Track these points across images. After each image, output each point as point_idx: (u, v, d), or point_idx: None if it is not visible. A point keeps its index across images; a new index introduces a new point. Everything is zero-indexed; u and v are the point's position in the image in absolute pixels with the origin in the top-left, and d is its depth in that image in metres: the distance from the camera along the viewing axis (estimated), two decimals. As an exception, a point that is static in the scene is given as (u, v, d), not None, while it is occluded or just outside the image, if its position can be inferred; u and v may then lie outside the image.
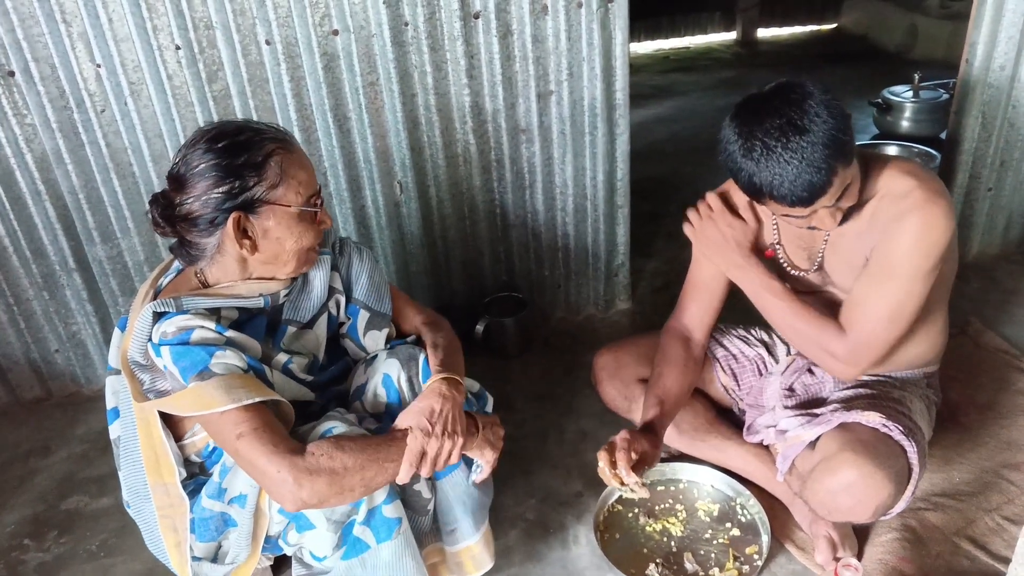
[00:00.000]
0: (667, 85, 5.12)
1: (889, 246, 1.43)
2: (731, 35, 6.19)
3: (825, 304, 1.65)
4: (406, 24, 2.06)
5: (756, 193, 1.39)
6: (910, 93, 3.68)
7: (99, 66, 2.00)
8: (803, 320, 1.55)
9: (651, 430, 1.61)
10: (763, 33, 6.13)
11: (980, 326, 2.29)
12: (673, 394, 1.69)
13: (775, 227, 1.64)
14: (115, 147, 2.12)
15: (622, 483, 1.51)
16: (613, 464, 1.51)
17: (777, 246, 1.66)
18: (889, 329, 1.47)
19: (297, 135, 2.14)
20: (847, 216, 1.46)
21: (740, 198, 1.63)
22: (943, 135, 3.64)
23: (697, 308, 1.76)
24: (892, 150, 3.40)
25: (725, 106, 5.21)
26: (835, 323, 1.53)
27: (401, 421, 1.36)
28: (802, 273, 1.66)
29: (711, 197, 1.63)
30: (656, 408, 1.65)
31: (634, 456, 1.52)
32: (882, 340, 1.48)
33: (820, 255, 1.61)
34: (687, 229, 1.66)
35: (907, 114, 3.66)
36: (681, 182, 3.55)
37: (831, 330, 1.52)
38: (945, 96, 3.66)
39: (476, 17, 2.07)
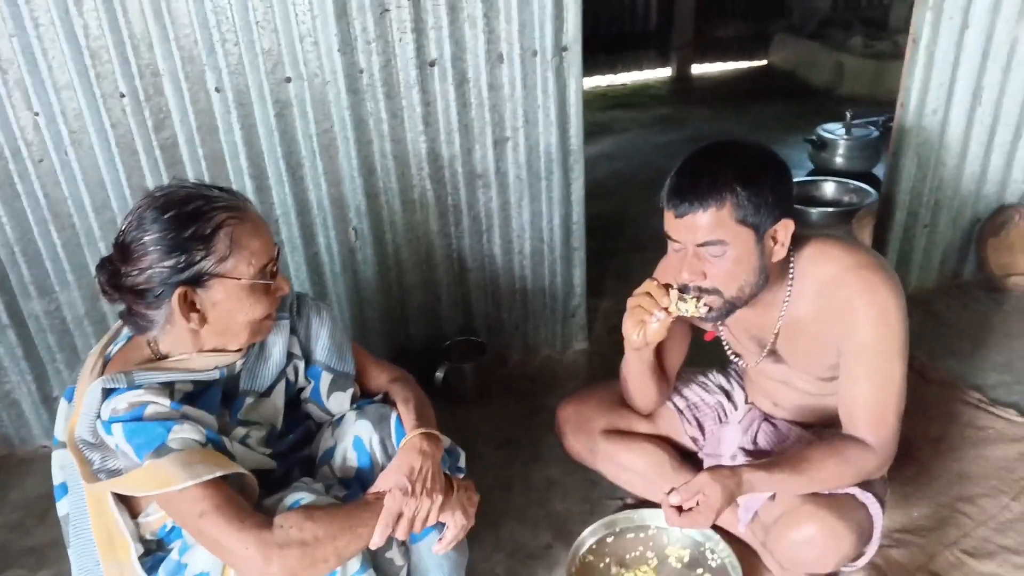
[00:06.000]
0: (607, 122, 5.22)
1: (855, 340, 1.42)
2: (666, 72, 6.37)
3: (781, 381, 1.67)
4: (361, 71, 2.03)
5: (660, 201, 1.39)
6: (843, 131, 3.84)
7: (37, 114, 1.91)
8: (827, 468, 1.44)
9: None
10: (697, 70, 6.32)
11: (925, 360, 2.37)
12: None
13: None
14: (54, 198, 2.02)
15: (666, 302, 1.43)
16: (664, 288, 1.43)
17: (721, 327, 1.66)
18: (896, 410, 1.46)
19: (248, 183, 2.09)
20: (733, 306, 1.43)
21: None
22: (874, 170, 3.82)
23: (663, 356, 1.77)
24: (829, 185, 3.55)
25: (665, 142, 5.29)
26: (851, 444, 1.46)
27: (381, 483, 1.32)
28: (748, 363, 1.66)
29: (669, 499, 1.45)
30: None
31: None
32: (895, 425, 1.47)
33: (770, 344, 1.58)
34: (673, 522, 1.43)
35: (841, 151, 3.82)
36: (626, 220, 3.60)
37: (855, 452, 1.45)
38: (876, 133, 3.83)
39: (432, 65, 2.07)
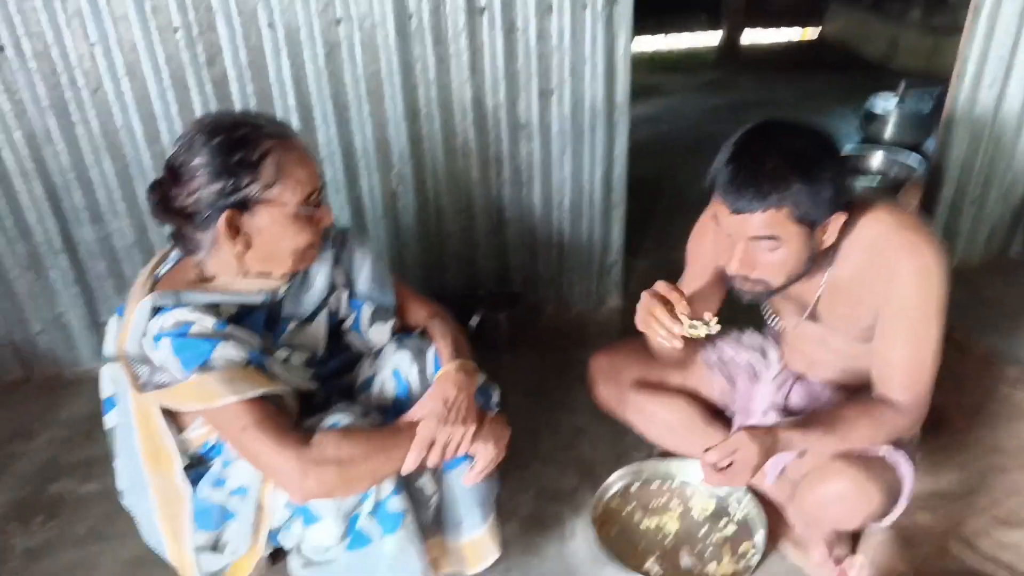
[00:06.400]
0: (653, 85, 5.15)
1: (896, 298, 1.42)
2: (715, 38, 6.23)
3: (817, 341, 1.66)
4: (410, 16, 2.04)
5: (711, 183, 1.36)
6: (895, 101, 3.75)
7: (94, 44, 1.96)
8: (860, 427, 1.45)
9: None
10: (747, 38, 6.18)
11: (963, 334, 2.34)
12: None
13: None
14: (107, 127, 2.08)
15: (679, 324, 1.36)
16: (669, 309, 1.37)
17: None
18: (930, 371, 1.45)
19: (295, 123, 2.12)
20: (788, 284, 1.42)
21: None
22: (926, 142, 3.73)
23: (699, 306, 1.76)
24: (877, 156, 3.48)
25: (710, 107, 5.19)
26: (884, 405, 1.46)
27: (416, 410, 1.36)
28: (787, 326, 1.65)
29: (706, 457, 1.44)
30: None
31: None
32: (928, 386, 1.46)
33: (811, 306, 1.56)
34: (711, 480, 1.44)
35: (892, 122, 3.73)
36: (668, 183, 3.57)
37: (887, 412, 1.46)
38: (929, 105, 3.73)
39: (481, 12, 2.06)
